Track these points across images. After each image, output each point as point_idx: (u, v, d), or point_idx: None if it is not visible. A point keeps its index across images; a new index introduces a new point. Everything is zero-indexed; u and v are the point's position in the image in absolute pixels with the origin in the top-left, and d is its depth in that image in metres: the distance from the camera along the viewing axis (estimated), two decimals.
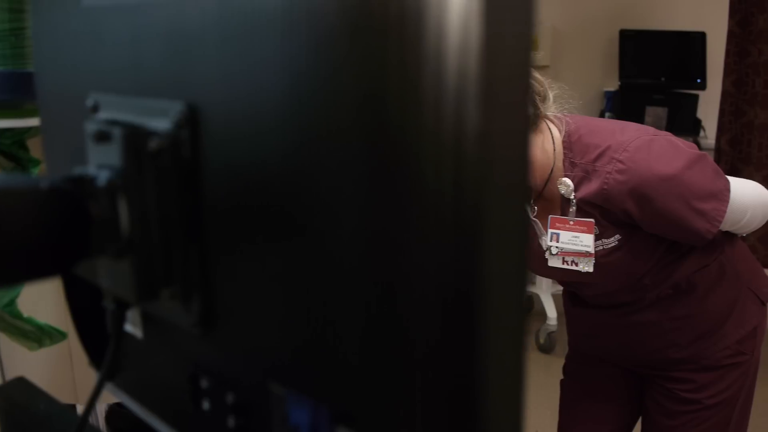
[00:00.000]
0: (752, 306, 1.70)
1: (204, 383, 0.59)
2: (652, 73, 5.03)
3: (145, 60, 0.52)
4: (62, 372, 2.04)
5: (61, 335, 1.68)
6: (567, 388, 1.93)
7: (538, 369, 3.93)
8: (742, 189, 1.57)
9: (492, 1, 0.33)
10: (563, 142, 1.54)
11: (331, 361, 0.43)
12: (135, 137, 0.48)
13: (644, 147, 1.47)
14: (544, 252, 1.60)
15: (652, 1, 5.30)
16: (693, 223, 1.47)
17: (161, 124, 0.49)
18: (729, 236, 1.67)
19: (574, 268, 1.58)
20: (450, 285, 0.37)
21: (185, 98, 0.48)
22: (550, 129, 1.55)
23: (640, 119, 5.07)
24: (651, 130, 1.54)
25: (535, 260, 1.63)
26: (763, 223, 1.66)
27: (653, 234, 1.53)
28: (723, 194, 1.50)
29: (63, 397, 1.01)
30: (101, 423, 1.38)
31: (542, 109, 1.53)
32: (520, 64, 0.36)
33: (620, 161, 1.46)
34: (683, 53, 5.03)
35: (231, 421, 0.56)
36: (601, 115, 5.23)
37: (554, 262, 1.60)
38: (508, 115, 0.36)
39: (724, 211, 1.49)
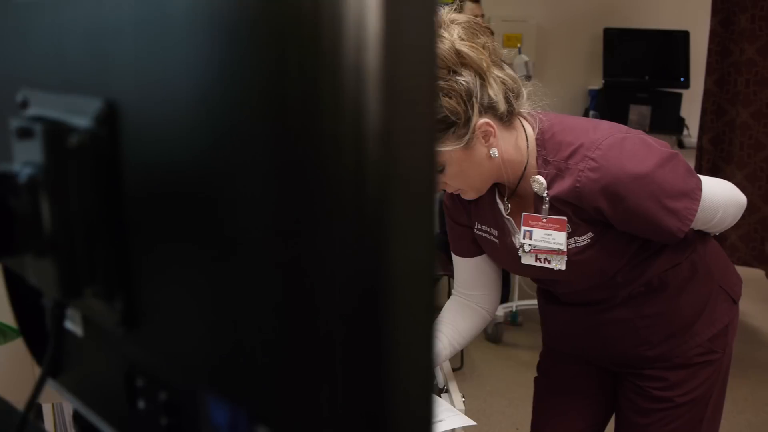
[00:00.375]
0: (723, 304, 1.70)
1: (139, 382, 0.58)
2: (636, 72, 5.05)
3: (69, 57, 0.51)
4: (23, 370, 2.03)
5: (15, 333, 1.66)
6: (540, 385, 1.93)
7: (522, 366, 3.93)
8: (714, 188, 1.57)
9: None
10: (537, 139, 1.53)
11: (249, 361, 0.43)
12: (55, 133, 0.48)
13: (617, 145, 1.46)
14: (517, 249, 1.60)
15: None
16: (665, 221, 1.47)
17: (82, 120, 0.49)
18: (701, 234, 1.67)
19: (546, 265, 1.58)
20: (356, 284, 0.37)
21: (105, 95, 0.48)
22: (523, 126, 1.54)
23: (624, 117, 5.09)
24: (624, 128, 1.54)
25: (508, 258, 1.63)
26: (735, 222, 1.66)
27: (625, 232, 1.53)
28: (695, 193, 1.50)
29: (25, 395, 1.01)
30: (68, 421, 1.37)
31: (515, 107, 1.52)
32: (424, 62, 0.35)
33: (593, 159, 1.45)
34: (667, 52, 5.05)
35: (163, 421, 0.55)
36: (586, 114, 5.23)
37: (527, 260, 1.60)
38: (411, 113, 0.35)
39: (696, 210, 1.50)
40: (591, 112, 5.16)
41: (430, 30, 0.35)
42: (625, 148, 1.46)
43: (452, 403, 1.74)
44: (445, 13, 1.46)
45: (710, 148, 4.32)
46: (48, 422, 1.31)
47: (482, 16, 4.32)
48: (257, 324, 0.41)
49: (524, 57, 4.38)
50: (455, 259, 1.77)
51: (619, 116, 5.15)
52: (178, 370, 0.50)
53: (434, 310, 0.38)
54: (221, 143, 0.40)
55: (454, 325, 1.76)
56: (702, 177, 1.56)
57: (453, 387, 1.83)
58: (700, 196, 1.50)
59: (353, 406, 0.38)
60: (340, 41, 0.33)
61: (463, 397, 1.79)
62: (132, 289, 0.50)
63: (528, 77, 4.16)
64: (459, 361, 3.94)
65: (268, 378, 0.42)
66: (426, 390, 0.38)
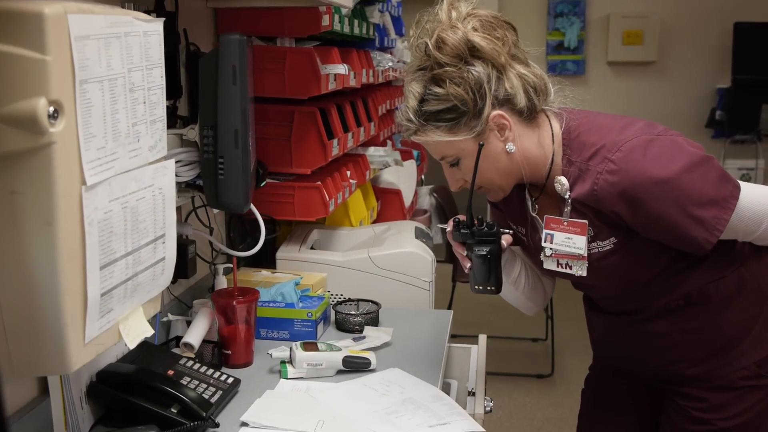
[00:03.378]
0: None
1: None
2: None
3: None
4: None
5: None
6: (586, 398, 1.86)
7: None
8: (757, 196, 1.44)
9: None
10: (563, 138, 1.49)
11: None
12: None
13: (640, 147, 1.39)
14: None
15: None
16: (690, 230, 1.38)
17: None
18: (755, 247, 1.53)
19: (568, 271, 1.52)
20: None
21: None
22: (551, 124, 1.50)
23: (755, 117, 4.80)
24: (659, 128, 1.45)
25: (537, 258, 1.58)
26: None
27: (655, 240, 1.44)
28: (727, 201, 1.39)
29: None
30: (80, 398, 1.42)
31: (538, 104, 1.48)
32: None
33: (612, 161, 1.39)
34: None
35: None
36: (712, 114, 4.94)
37: (549, 265, 1.54)
38: None
39: (726, 220, 1.39)
40: (718, 112, 4.87)
41: None
42: (651, 149, 1.38)
43: (474, 406, 1.69)
44: (465, 7, 1.46)
45: None
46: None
47: None
48: None
49: None
50: None
51: (750, 116, 4.84)
52: None
53: None
54: None
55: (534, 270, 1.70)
56: (744, 183, 1.44)
57: (479, 390, 1.77)
58: (734, 204, 1.39)
59: None
60: None
61: (491, 400, 1.74)
62: None
63: None
64: (550, 368, 3.81)
65: None
66: None
